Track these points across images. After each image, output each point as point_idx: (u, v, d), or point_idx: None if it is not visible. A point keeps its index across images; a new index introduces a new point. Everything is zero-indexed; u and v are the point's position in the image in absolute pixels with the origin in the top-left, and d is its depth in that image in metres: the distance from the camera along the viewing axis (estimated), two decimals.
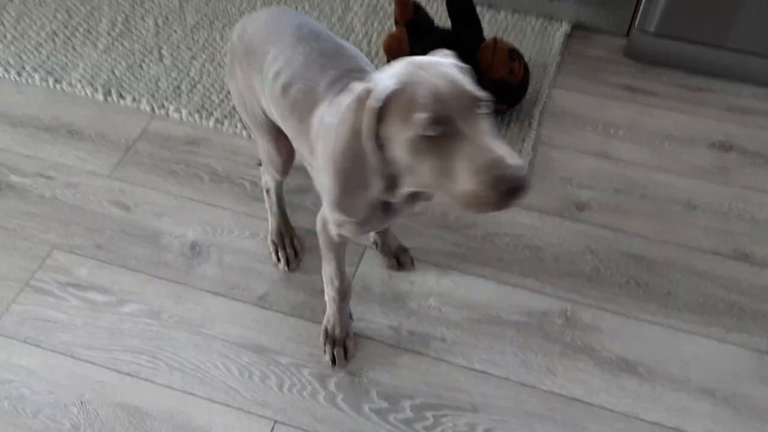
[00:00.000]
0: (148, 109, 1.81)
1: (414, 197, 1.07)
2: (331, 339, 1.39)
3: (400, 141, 0.89)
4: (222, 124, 1.78)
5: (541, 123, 1.80)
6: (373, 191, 0.95)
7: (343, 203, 0.96)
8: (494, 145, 0.85)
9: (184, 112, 1.80)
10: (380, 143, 0.91)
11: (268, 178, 1.47)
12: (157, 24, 2.01)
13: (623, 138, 1.77)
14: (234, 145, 1.74)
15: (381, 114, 0.89)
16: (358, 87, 0.92)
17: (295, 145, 1.23)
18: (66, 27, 1.99)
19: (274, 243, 1.55)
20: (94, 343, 1.42)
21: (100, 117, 1.81)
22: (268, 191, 1.52)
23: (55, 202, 1.64)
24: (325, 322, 1.40)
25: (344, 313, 1.39)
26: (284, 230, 1.55)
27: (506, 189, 0.83)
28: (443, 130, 0.86)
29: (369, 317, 1.46)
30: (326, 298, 1.38)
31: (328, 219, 1.20)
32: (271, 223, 1.56)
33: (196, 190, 1.66)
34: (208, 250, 1.56)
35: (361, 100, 0.90)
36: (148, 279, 1.52)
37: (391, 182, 0.97)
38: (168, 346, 1.41)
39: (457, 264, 1.54)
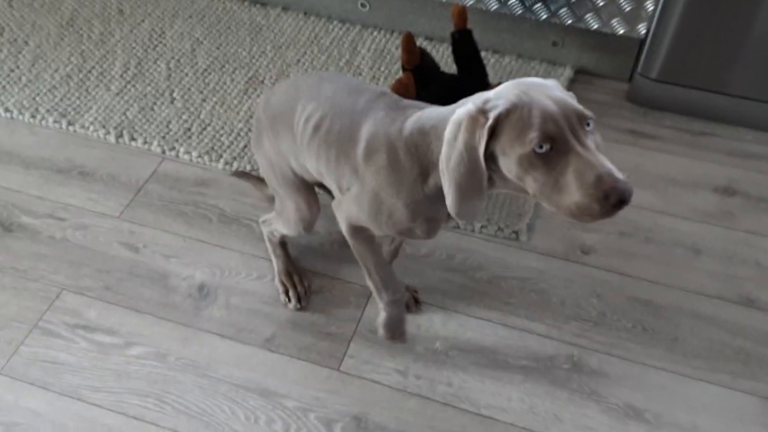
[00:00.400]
0: (158, 150, 1.84)
1: None
2: (389, 335, 1.39)
3: (512, 157, 0.96)
4: (231, 165, 1.80)
5: None
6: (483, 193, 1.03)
7: (461, 209, 1.03)
8: (602, 160, 0.93)
9: (194, 153, 1.83)
10: (488, 156, 0.99)
11: (281, 231, 1.49)
12: (169, 67, 2.05)
13: (627, 181, 1.78)
14: (242, 187, 1.77)
15: (493, 131, 0.97)
16: (469, 105, 0.99)
17: (327, 180, 1.28)
18: (80, 70, 2.03)
19: (282, 283, 1.56)
20: (102, 386, 1.42)
21: (111, 158, 1.84)
22: (270, 239, 1.56)
23: (65, 243, 1.66)
24: (382, 326, 1.37)
25: (402, 316, 1.37)
26: (291, 269, 1.57)
27: (614, 202, 0.91)
28: (553, 147, 0.93)
29: (376, 361, 1.46)
30: (382, 305, 1.35)
31: (366, 226, 1.22)
32: (276, 264, 1.57)
33: (205, 231, 1.68)
34: (216, 292, 1.57)
35: (474, 119, 0.98)
36: (155, 321, 1.52)
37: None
38: (174, 389, 1.41)
39: (464, 307, 1.55)
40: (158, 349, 1.48)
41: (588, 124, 0.96)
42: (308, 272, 1.59)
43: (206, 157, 1.82)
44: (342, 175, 1.23)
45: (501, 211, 1.70)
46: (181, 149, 1.84)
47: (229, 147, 1.84)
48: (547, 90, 0.97)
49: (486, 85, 1.80)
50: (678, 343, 1.49)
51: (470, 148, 0.98)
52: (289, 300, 1.54)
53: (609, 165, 0.93)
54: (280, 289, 1.56)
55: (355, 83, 1.26)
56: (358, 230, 1.26)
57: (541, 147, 0.93)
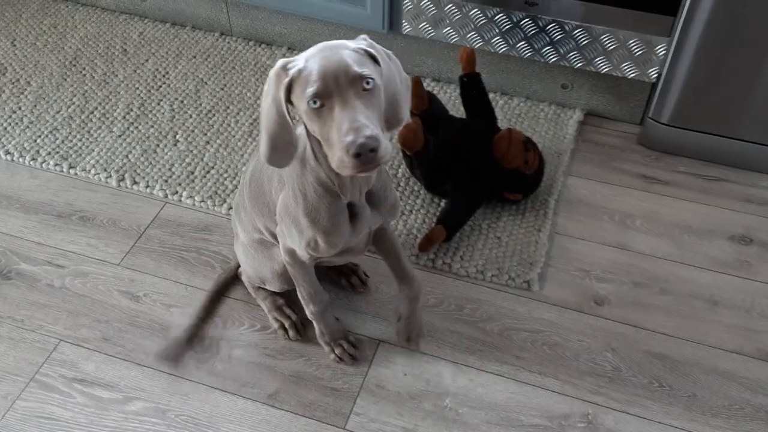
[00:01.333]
0: (161, 195, 1.81)
1: (375, 203, 1.24)
2: (331, 344, 1.49)
3: (300, 111, 1.06)
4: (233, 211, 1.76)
5: (557, 212, 1.78)
6: (298, 152, 1.13)
7: (272, 158, 1.12)
8: (357, 116, 0.99)
9: (197, 198, 1.79)
10: (293, 106, 1.08)
11: (270, 288, 1.52)
12: (172, 108, 2.02)
13: (640, 229, 1.75)
14: None
15: (290, 87, 1.05)
16: (279, 62, 1.07)
17: (261, 219, 1.37)
18: (82, 111, 2.01)
19: (276, 319, 1.54)
20: None
21: (112, 203, 1.80)
22: (250, 284, 1.57)
23: (64, 291, 1.61)
24: (318, 336, 1.49)
25: (330, 322, 1.48)
26: (279, 303, 1.55)
27: (353, 153, 0.98)
28: (325, 103, 1.01)
29: (383, 418, 1.40)
30: (308, 315, 1.45)
31: (294, 248, 1.30)
32: (264, 305, 1.56)
33: (207, 279, 1.64)
34: (218, 344, 1.52)
35: (278, 75, 1.06)
36: (155, 374, 1.48)
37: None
38: None
39: (474, 361, 1.50)
40: (158, 405, 1.42)
41: (368, 83, 1.01)
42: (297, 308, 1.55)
43: (209, 202, 1.78)
44: (272, 197, 1.30)
45: (511, 260, 1.66)
46: (184, 193, 1.80)
47: (232, 191, 1.81)
48: (335, 52, 1.03)
49: (495, 129, 1.77)
50: (696, 400, 1.43)
51: (276, 101, 1.07)
52: (287, 333, 1.52)
53: (361, 120, 0.99)
54: (276, 326, 1.54)
55: None
56: (290, 253, 1.32)
57: (314, 103, 1.01)
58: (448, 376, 1.48)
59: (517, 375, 1.48)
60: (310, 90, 1.01)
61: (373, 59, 1.07)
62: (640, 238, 1.73)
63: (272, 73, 1.08)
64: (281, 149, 1.11)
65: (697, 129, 1.84)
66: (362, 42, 1.08)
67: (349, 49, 1.04)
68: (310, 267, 1.37)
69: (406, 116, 1.12)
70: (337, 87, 1.00)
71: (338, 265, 1.58)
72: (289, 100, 1.07)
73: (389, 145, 1.02)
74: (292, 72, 1.05)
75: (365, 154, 0.98)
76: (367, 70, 1.02)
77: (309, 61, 1.04)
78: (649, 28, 1.74)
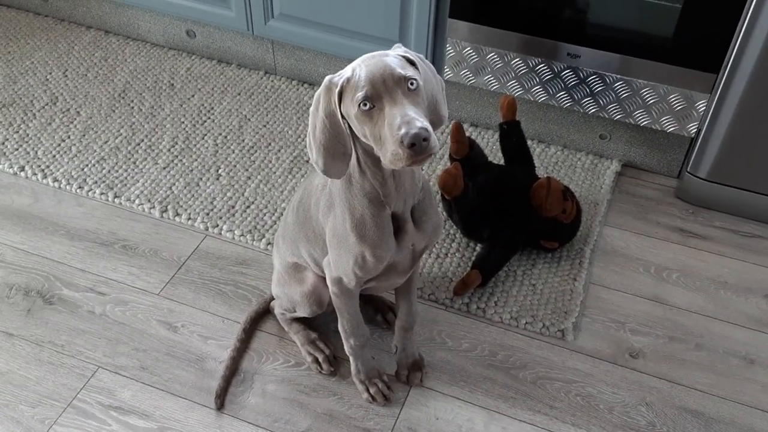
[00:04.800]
0: (202, 227, 1.85)
1: (419, 220, 1.29)
2: (366, 383, 1.51)
3: (351, 115, 1.12)
4: (272, 245, 1.79)
5: (592, 262, 1.79)
6: (350, 158, 1.17)
7: (329, 169, 1.18)
8: (407, 112, 1.06)
9: (236, 232, 1.83)
10: (344, 118, 1.14)
11: (301, 313, 1.54)
12: (216, 143, 2.07)
13: (676, 282, 1.74)
14: None
15: (340, 96, 1.12)
16: (326, 77, 1.15)
17: (319, 254, 1.40)
18: (129, 143, 2.07)
19: (310, 353, 1.56)
20: None
21: (155, 233, 1.84)
22: (281, 318, 1.61)
23: (104, 319, 1.65)
24: (354, 374, 1.51)
25: (367, 359, 1.51)
26: (312, 336, 1.59)
27: (408, 143, 1.04)
28: (374, 105, 1.08)
29: None
30: (347, 351, 1.48)
31: (341, 275, 1.33)
32: (297, 339, 1.59)
33: (244, 312, 1.66)
34: (252, 378, 1.54)
35: (328, 89, 1.14)
36: (190, 405, 1.49)
37: (378, 169, 1.19)
38: None
39: (507, 408, 1.50)
40: None
41: (412, 84, 1.09)
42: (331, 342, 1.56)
43: (248, 236, 1.82)
44: (319, 221, 1.33)
45: (546, 308, 1.66)
46: (224, 227, 1.84)
47: (272, 227, 1.84)
48: (379, 59, 1.11)
49: (534, 177, 1.79)
50: None
51: (329, 114, 1.14)
52: (321, 367, 1.55)
53: (411, 114, 1.06)
54: (309, 359, 1.56)
55: None
56: (337, 282, 1.36)
57: (365, 105, 1.08)
58: (481, 423, 1.47)
59: (550, 425, 1.47)
60: (360, 94, 1.08)
61: (411, 64, 1.14)
62: (675, 291, 1.72)
63: (321, 88, 1.15)
64: (337, 158, 1.17)
65: (735, 185, 1.85)
66: (399, 49, 1.16)
67: (390, 56, 1.13)
68: (355, 297, 1.39)
69: (445, 115, 1.20)
70: (385, 88, 1.08)
71: (381, 292, 1.60)
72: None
73: (436, 138, 1.08)
74: (341, 82, 1.12)
75: (419, 144, 1.04)
76: (410, 71, 1.10)
77: (355, 70, 1.11)
78: (690, 84, 1.76)
